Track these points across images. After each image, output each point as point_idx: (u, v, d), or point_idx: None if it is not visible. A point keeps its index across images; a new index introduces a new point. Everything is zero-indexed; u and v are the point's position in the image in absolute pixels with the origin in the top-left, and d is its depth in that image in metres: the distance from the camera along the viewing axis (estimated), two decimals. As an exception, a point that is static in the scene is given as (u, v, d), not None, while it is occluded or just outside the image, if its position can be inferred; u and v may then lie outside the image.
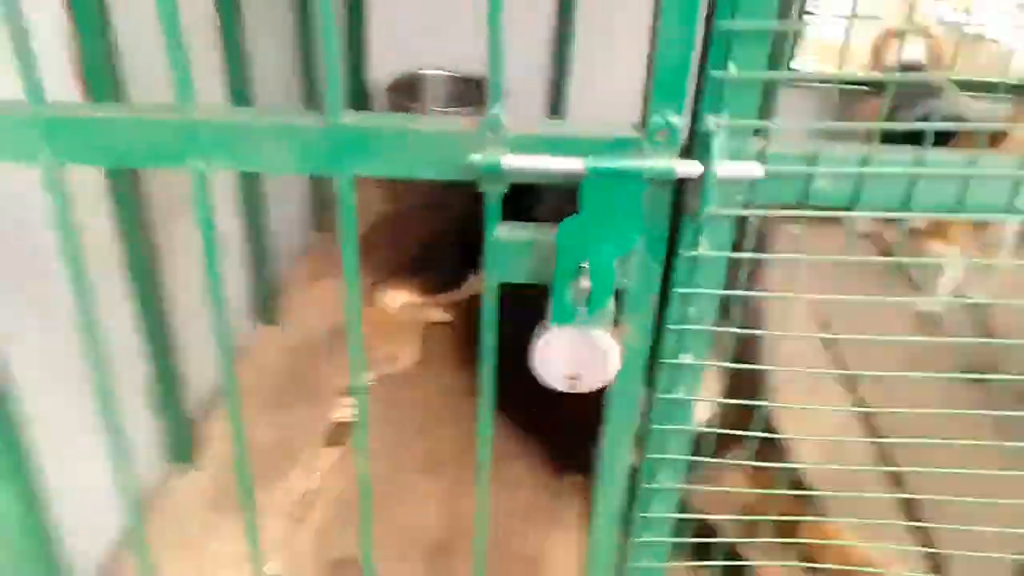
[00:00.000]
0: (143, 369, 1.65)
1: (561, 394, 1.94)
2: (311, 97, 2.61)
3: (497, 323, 0.83)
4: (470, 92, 3.19)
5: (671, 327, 0.81)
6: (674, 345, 0.83)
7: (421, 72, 3.33)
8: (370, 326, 2.43)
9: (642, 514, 0.95)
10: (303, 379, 2.16)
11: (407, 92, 3.21)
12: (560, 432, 1.81)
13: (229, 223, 2.09)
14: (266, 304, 2.36)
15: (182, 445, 1.79)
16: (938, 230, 2.47)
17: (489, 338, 0.83)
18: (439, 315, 2.57)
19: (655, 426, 0.88)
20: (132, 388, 1.61)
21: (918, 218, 2.34)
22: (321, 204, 2.91)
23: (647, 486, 0.93)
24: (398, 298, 2.55)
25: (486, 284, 0.81)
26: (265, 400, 2.05)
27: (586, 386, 0.83)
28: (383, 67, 3.44)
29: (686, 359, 0.83)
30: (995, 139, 2.17)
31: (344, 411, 2.08)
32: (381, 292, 2.57)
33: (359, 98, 3.51)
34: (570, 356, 0.80)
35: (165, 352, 1.68)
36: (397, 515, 1.69)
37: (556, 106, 3.42)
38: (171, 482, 1.75)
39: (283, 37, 2.46)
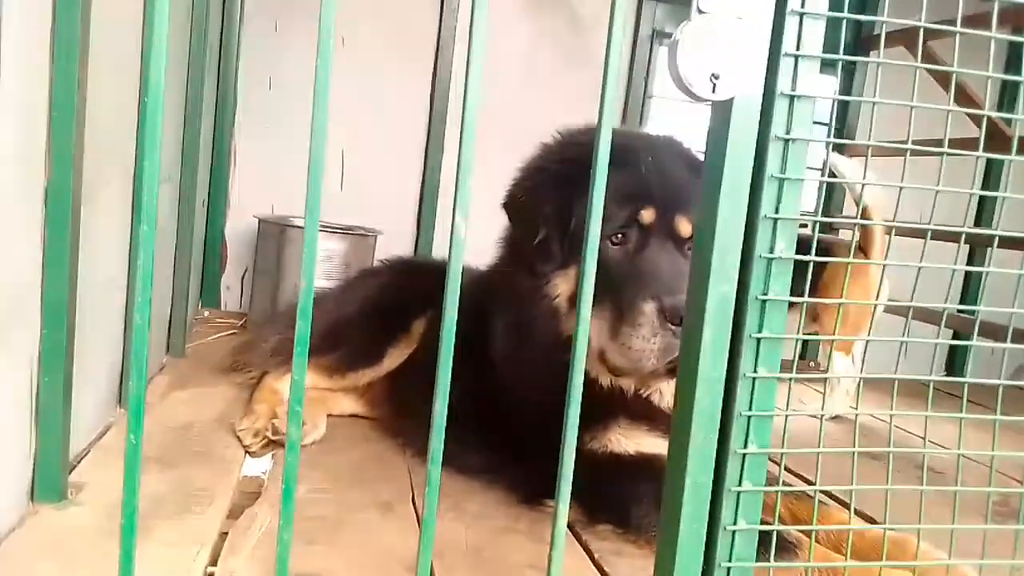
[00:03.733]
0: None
1: (522, 434, 2.10)
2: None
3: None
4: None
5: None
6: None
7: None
8: (262, 404, 2.34)
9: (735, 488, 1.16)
10: (188, 447, 2.11)
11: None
12: (527, 466, 1.88)
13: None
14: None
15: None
16: (842, 344, 2.95)
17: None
18: (349, 406, 2.54)
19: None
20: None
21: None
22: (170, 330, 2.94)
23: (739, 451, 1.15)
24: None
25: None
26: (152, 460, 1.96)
27: (725, 89, 1.00)
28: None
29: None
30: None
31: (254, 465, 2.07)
32: (275, 378, 2.48)
33: (215, 244, 3.79)
34: (714, 51, 0.98)
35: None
36: (362, 541, 1.70)
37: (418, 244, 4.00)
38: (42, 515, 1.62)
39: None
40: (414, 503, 1.90)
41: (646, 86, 4.15)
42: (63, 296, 1.61)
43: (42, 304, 1.59)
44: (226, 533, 1.63)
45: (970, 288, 4.49)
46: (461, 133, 1.04)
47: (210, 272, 3.86)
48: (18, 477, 1.56)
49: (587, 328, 1.13)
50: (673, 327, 1.67)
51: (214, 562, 1.52)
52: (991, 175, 4.30)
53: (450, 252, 1.07)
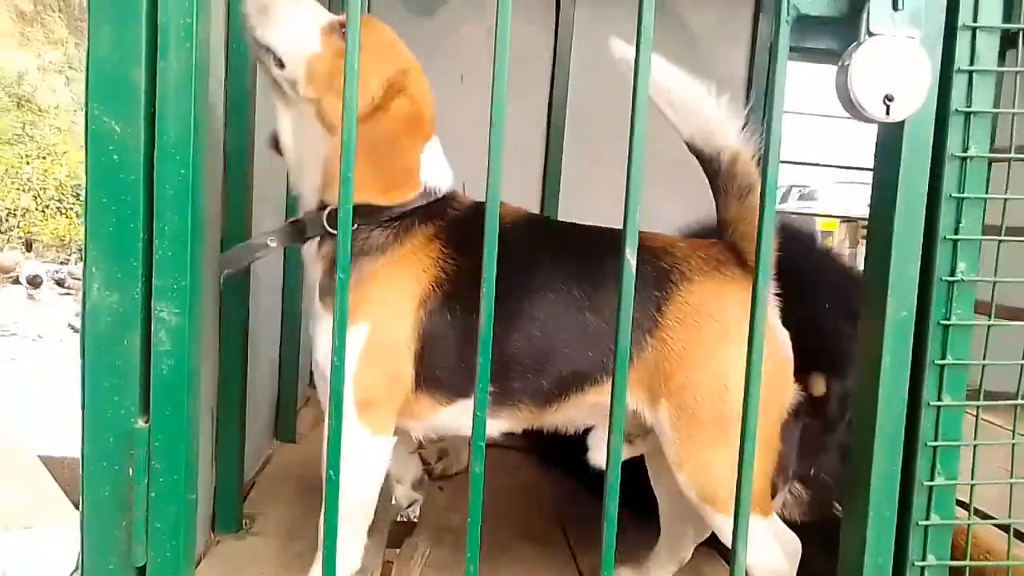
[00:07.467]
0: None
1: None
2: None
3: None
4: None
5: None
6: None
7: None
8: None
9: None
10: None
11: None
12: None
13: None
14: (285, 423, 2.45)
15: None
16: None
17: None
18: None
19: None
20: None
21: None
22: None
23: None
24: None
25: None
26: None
27: (900, 110, 0.99)
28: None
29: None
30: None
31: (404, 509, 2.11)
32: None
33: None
34: (886, 72, 0.98)
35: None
36: (517, 567, 1.75)
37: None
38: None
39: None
40: (564, 533, 1.91)
41: (767, 99, 4.06)
42: (239, 329, 1.72)
43: (220, 337, 1.70)
44: (390, 562, 1.69)
45: None
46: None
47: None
48: (202, 509, 1.67)
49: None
50: None
51: (383, 588, 1.58)
52: None
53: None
